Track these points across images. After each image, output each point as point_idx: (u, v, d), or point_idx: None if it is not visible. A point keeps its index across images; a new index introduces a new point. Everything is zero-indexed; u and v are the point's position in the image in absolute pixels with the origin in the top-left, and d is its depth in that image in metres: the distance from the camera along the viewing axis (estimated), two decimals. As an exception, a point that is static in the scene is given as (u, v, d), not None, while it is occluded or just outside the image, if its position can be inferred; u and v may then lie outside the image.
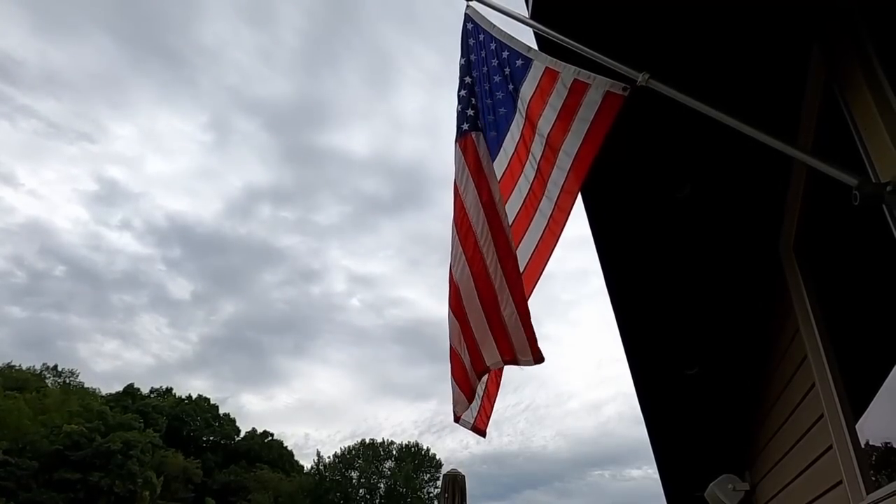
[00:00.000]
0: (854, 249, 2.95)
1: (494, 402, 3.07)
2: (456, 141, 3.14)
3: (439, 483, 6.48)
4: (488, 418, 3.09)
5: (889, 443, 2.71)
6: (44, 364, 61.77)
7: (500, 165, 2.88)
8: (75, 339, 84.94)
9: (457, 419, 3.14)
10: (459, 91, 3.23)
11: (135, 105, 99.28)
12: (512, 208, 2.80)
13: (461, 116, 3.14)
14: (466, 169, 2.95)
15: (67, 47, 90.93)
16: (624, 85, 2.38)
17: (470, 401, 2.96)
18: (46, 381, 59.48)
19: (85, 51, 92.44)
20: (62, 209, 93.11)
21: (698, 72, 2.68)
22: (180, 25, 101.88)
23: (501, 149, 2.87)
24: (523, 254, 2.76)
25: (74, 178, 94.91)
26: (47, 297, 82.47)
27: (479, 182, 2.93)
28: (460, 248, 2.97)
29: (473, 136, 3.00)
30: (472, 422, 3.10)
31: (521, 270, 2.76)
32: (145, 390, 63.76)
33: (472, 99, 3.08)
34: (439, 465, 60.50)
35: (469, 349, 2.89)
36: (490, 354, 2.89)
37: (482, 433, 3.09)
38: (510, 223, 2.80)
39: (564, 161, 2.55)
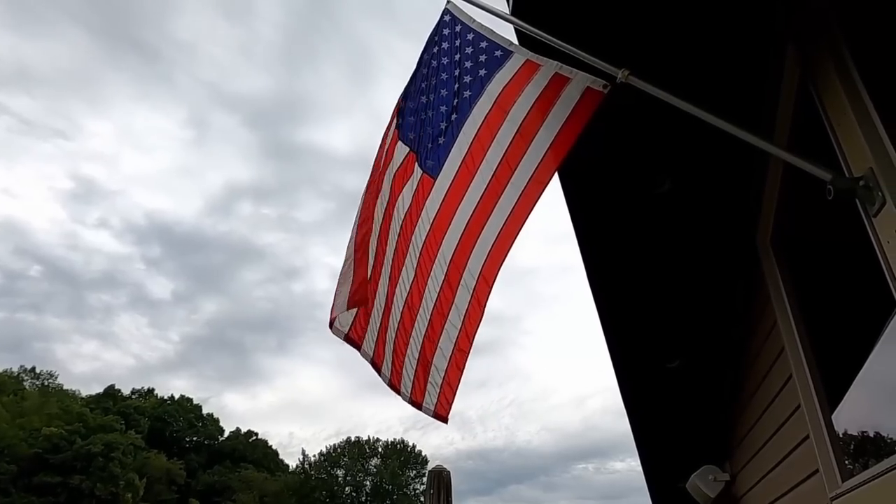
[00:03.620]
0: (829, 243, 3.01)
1: (456, 389, 3.02)
2: (401, 140, 3.25)
3: (425, 479, 6.50)
4: (450, 405, 3.04)
5: (863, 432, 2.78)
6: (21, 366, 60.68)
7: (459, 149, 2.86)
8: (53, 340, 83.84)
9: (330, 324, 3.43)
10: (412, 84, 3.30)
11: (110, 101, 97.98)
12: (474, 192, 2.78)
13: (410, 125, 3.23)
14: (414, 189, 3.11)
15: (40, 42, 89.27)
16: (604, 82, 2.39)
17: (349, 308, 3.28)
18: (24, 383, 58.38)
19: (58, 46, 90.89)
20: (37, 208, 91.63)
21: (678, 69, 2.71)
22: (155, 19, 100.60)
23: (462, 132, 2.85)
24: (487, 238, 2.74)
25: (49, 176, 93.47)
26: (23, 297, 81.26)
27: (416, 206, 3.08)
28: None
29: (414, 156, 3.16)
30: (432, 408, 3.07)
31: (485, 256, 2.76)
32: (126, 391, 63.05)
33: (420, 109, 3.19)
34: (425, 461, 60.59)
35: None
36: (405, 385, 3.20)
37: (444, 419, 3.04)
38: (473, 208, 2.79)
39: (537, 151, 2.55)
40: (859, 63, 2.07)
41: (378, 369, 3.38)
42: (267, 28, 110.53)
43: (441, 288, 2.95)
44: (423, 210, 3.04)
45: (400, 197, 3.22)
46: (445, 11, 3.22)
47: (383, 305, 3.30)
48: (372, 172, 3.38)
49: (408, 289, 3.16)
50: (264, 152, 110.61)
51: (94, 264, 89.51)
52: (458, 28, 3.04)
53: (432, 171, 2.99)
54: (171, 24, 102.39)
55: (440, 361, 3.02)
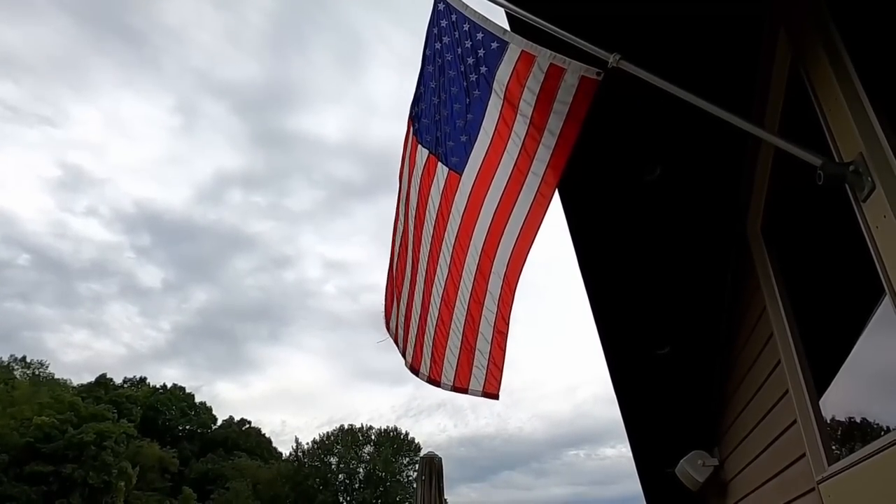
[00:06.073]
0: (819, 229, 3.02)
1: (502, 367, 3.21)
2: (420, 144, 3.31)
3: (417, 466, 6.52)
4: (499, 382, 3.23)
5: (850, 416, 2.81)
6: (11, 356, 60.22)
7: (481, 145, 2.94)
8: (42, 329, 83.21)
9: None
10: (420, 86, 3.33)
11: (97, 88, 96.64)
12: (499, 183, 2.89)
13: (426, 127, 3.29)
14: (441, 189, 3.19)
15: (24, 27, 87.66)
16: (598, 70, 2.40)
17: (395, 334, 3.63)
18: (14, 372, 58.02)
19: (43, 31, 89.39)
20: (24, 196, 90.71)
21: (669, 54, 2.69)
22: (141, 4, 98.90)
23: (481, 129, 2.92)
24: (513, 227, 2.86)
25: (36, 163, 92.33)
26: (11, 286, 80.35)
27: (444, 206, 3.17)
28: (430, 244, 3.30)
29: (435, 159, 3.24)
30: (480, 388, 3.25)
31: (512, 244, 2.88)
32: (118, 380, 62.83)
33: (434, 110, 3.24)
34: (418, 448, 60.92)
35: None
36: (447, 373, 3.36)
37: (494, 397, 3.22)
38: (499, 198, 2.90)
39: (549, 139, 2.66)
40: (850, 48, 2.06)
41: (416, 371, 3.63)
42: (255, 14, 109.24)
43: (475, 278, 3.11)
44: (453, 206, 3.15)
45: (429, 199, 3.32)
46: None
47: (419, 315, 3.52)
48: (399, 199, 3.50)
49: (443, 286, 3.32)
50: (254, 140, 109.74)
51: (83, 253, 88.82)
52: (453, 17, 3.04)
53: (457, 168, 3.09)
54: (157, 9, 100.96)
55: (483, 345, 3.21)
